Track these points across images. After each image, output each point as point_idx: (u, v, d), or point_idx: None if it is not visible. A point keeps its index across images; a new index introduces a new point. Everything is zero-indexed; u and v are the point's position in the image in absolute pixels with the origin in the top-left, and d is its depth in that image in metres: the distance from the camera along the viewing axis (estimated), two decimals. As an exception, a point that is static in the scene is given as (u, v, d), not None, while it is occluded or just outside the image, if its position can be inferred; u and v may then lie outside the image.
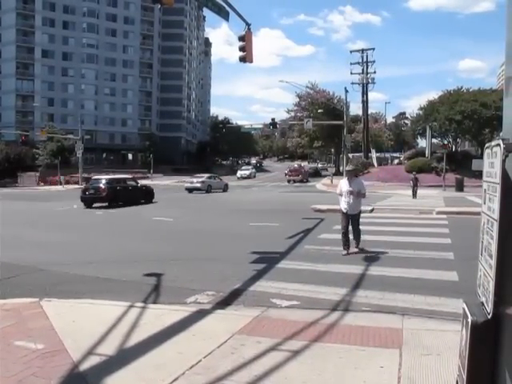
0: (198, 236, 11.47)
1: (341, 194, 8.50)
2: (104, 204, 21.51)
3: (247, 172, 60.06)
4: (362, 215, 8.99)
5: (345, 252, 8.31)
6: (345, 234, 8.38)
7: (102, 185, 22.02)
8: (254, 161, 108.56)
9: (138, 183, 25.14)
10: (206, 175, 36.41)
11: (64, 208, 20.28)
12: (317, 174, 60.66)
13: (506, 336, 2.12)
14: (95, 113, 78.52)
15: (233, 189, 36.44)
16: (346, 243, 8.38)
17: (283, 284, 6.34)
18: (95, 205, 21.17)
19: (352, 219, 8.41)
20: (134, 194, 23.43)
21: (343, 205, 8.44)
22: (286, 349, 3.93)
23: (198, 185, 33.41)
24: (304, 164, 75.96)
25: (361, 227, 8.72)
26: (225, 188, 35.21)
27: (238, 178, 55.33)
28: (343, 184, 8.53)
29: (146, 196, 24.17)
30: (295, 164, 67.90)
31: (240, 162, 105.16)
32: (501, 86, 54.50)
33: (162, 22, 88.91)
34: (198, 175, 36.54)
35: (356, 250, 8.41)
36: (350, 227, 8.53)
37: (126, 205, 21.20)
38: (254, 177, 60.17)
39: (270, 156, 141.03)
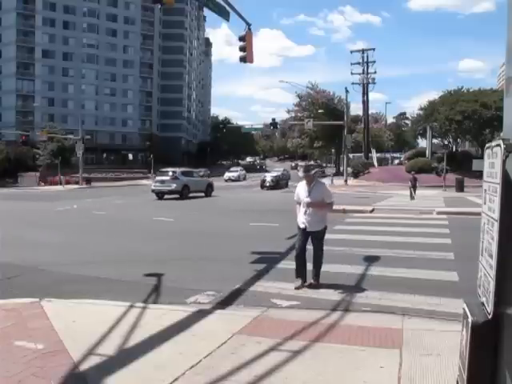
0: (199, 236, 11.47)
1: (298, 203, 6.40)
2: (175, 196, 23.12)
3: (235, 174, 54.01)
4: (361, 215, 8.80)
5: (298, 283, 6.10)
6: (299, 257, 6.20)
7: (173, 177, 23.71)
8: (255, 160, 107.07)
9: (202, 177, 27.38)
10: (181, 169, 26.75)
11: (64, 208, 20.27)
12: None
13: (507, 336, 2.12)
14: (95, 113, 78.55)
15: (232, 189, 36.37)
16: (299, 271, 6.19)
17: (283, 284, 6.34)
18: (166, 197, 22.67)
19: (312, 238, 6.25)
20: (201, 187, 25.86)
21: (300, 218, 6.27)
22: (286, 349, 3.93)
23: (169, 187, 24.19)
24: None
25: (360, 228, 8.58)
26: (208, 190, 26.50)
27: (226, 181, 50.50)
28: (301, 190, 6.36)
29: (207, 188, 26.48)
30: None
31: (241, 162, 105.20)
32: (501, 86, 54.45)
33: (163, 22, 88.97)
34: (164, 170, 26.56)
35: (313, 282, 6.17)
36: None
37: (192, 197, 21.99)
38: (244, 179, 54.13)
39: (271, 156, 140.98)
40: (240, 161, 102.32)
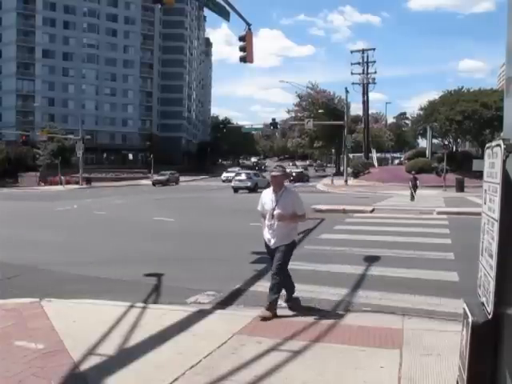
0: (199, 236, 11.47)
1: (263, 215, 5.24)
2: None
3: (233, 175, 50.55)
4: (362, 215, 8.68)
5: (266, 313, 4.84)
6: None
7: (248, 177, 33.62)
8: (259, 160, 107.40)
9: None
10: (253, 172, 39.50)
11: (64, 208, 20.27)
12: (302, 178, 46.87)
13: (507, 336, 2.12)
14: (96, 113, 78.54)
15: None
16: (275, 296, 5.02)
17: (283, 284, 6.33)
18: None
19: (276, 254, 5.08)
20: (264, 184, 30.60)
21: (265, 233, 5.17)
22: (286, 349, 3.93)
23: (245, 185, 32.97)
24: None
25: (360, 228, 8.53)
26: (268, 186, 29.73)
27: (224, 181, 48.41)
28: (266, 199, 5.20)
29: (267, 185, 29.27)
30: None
31: (241, 162, 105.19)
32: (501, 87, 54.45)
33: (163, 22, 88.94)
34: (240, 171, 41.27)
35: (265, 312, 4.84)
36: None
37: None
38: None
39: (271, 156, 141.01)
40: (245, 161, 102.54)
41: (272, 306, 4.88)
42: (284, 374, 3.45)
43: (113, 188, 41.42)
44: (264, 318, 4.72)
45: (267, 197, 5.23)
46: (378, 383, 3.31)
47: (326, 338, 4.21)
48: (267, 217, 5.13)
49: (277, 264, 5.05)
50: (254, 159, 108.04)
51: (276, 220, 5.04)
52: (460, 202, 20.18)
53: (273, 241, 5.10)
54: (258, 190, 28.49)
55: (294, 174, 44.74)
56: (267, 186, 5.84)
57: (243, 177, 34.57)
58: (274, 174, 5.25)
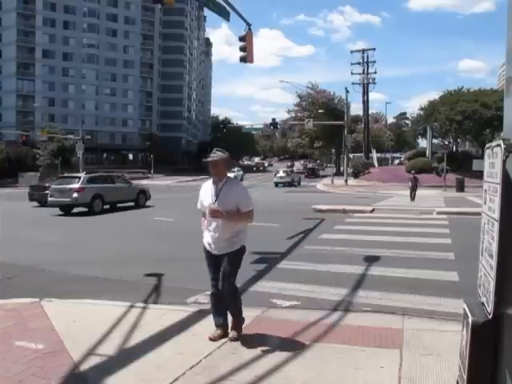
0: (199, 236, 11.42)
1: (203, 214, 4.33)
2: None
3: (231, 175, 50.34)
4: (362, 215, 8.63)
5: (216, 333, 4.16)
6: (215, 295, 4.22)
7: (288, 174, 42.69)
8: (257, 160, 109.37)
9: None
10: (291, 169, 49.82)
11: (64, 208, 20.22)
12: (314, 173, 57.45)
13: (507, 336, 2.12)
14: (96, 113, 78.53)
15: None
16: (217, 314, 4.25)
17: (283, 284, 6.34)
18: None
19: (221, 264, 4.12)
20: (298, 179, 42.65)
21: (205, 235, 4.30)
22: (286, 349, 3.93)
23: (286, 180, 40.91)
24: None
25: (360, 228, 8.51)
26: (300, 181, 44.05)
27: None
28: (205, 192, 4.27)
29: (299, 181, 43.26)
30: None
31: (241, 161, 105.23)
32: (501, 86, 54.46)
33: (163, 22, 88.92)
34: (280, 169, 47.63)
35: (233, 334, 4.17)
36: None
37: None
38: (241, 180, 51.73)
39: (271, 156, 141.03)
40: (248, 162, 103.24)
41: (237, 326, 4.21)
42: (284, 374, 3.45)
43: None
44: (233, 339, 4.12)
45: (206, 190, 4.24)
46: (378, 383, 3.31)
47: (325, 338, 4.21)
48: (206, 216, 4.17)
49: (226, 282, 4.04)
50: (257, 159, 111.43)
51: (213, 219, 4.07)
52: (460, 202, 20.18)
53: (214, 246, 4.12)
54: (296, 185, 40.60)
55: (308, 168, 59.36)
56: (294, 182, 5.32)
57: (282, 174, 43.02)
58: (211, 158, 4.08)
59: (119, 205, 19.96)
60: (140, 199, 20.98)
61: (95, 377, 3.43)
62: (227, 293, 4.08)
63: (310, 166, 68.08)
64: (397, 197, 24.65)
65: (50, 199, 18.51)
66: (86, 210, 18.11)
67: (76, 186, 17.96)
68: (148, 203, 21.31)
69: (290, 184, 40.31)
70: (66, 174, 23.10)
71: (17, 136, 55.99)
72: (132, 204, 20.51)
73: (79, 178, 18.81)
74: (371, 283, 6.30)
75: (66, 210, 18.29)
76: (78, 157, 48.66)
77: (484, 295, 2.29)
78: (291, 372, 3.48)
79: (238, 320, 4.25)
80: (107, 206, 19.21)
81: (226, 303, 4.18)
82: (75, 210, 18.33)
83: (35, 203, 22.09)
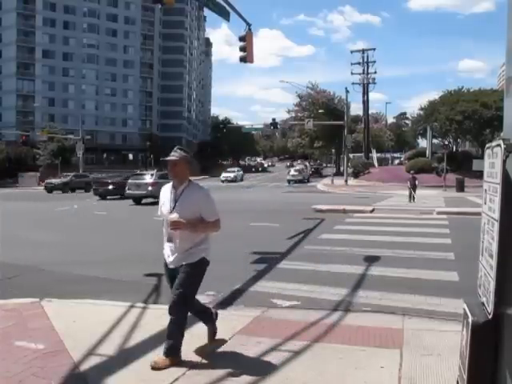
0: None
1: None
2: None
3: (231, 175, 52.45)
4: (362, 215, 8.61)
5: (162, 361, 3.54)
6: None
7: (301, 171, 48.31)
8: (258, 160, 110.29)
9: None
10: (304, 166, 60.28)
11: (64, 208, 20.27)
12: (318, 172, 64.15)
13: (507, 336, 2.12)
14: (96, 113, 78.57)
15: (231, 189, 36.29)
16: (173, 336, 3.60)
17: (283, 284, 6.34)
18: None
19: (177, 276, 3.64)
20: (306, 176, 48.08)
21: (165, 247, 3.80)
22: (286, 349, 3.93)
23: (299, 178, 46.73)
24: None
25: (360, 228, 8.50)
26: (309, 178, 51.30)
27: (222, 181, 49.09)
28: (164, 198, 3.79)
29: (308, 179, 46.74)
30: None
31: (241, 162, 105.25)
32: (501, 86, 54.46)
33: (163, 23, 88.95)
34: (293, 167, 54.90)
35: (164, 361, 3.51)
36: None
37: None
38: (241, 180, 53.49)
39: (271, 156, 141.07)
40: (251, 162, 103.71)
41: (171, 351, 3.53)
42: (284, 374, 3.45)
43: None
44: (155, 366, 3.46)
45: (165, 196, 3.76)
46: (378, 383, 3.31)
47: (326, 338, 4.21)
48: (164, 224, 3.71)
49: (176, 293, 3.53)
50: (259, 159, 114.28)
51: (174, 229, 3.54)
52: (460, 202, 20.18)
53: (172, 258, 3.65)
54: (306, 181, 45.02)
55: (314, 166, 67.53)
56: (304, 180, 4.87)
57: (294, 172, 47.29)
58: (169, 157, 3.60)
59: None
60: None
61: (95, 377, 3.43)
62: (171, 306, 3.55)
63: (315, 165, 74.50)
64: (397, 197, 24.64)
65: (127, 192, 22.53)
66: (154, 200, 21.16)
67: (150, 181, 22.01)
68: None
69: (301, 181, 45.15)
70: (139, 172, 26.82)
71: (17, 136, 56.03)
72: None
73: (152, 174, 22.89)
74: (371, 283, 6.30)
75: (138, 201, 22.27)
76: (78, 157, 48.79)
77: (484, 295, 2.29)
78: (291, 372, 3.48)
79: (175, 343, 3.55)
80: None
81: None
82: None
83: (97, 197, 25.75)
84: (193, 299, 3.71)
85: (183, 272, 3.59)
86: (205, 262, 3.73)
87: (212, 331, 3.99)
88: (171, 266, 3.68)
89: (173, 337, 3.57)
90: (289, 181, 44.98)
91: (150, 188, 21.52)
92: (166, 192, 3.76)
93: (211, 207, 3.68)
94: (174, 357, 3.54)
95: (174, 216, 3.53)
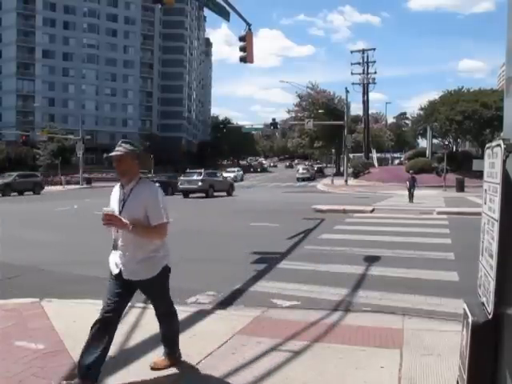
0: (198, 236, 11.47)
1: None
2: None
3: (231, 175, 50.33)
4: (362, 215, 8.59)
5: None
6: (102, 323, 3.16)
7: (309, 169, 55.10)
8: (262, 160, 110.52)
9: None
10: (310, 165, 69.79)
11: (65, 208, 20.27)
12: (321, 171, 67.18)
13: (507, 336, 2.12)
14: (96, 113, 78.59)
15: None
16: (90, 348, 3.08)
17: (284, 284, 6.34)
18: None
19: (133, 290, 3.34)
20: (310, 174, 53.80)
21: (113, 253, 3.41)
22: (286, 349, 3.93)
23: (307, 176, 53.15)
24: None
25: (360, 228, 8.50)
26: (316, 176, 59.79)
27: None
28: (113, 199, 3.40)
29: (315, 176, 50.50)
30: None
31: (241, 162, 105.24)
32: (501, 86, 54.46)
33: (163, 23, 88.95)
34: (302, 165, 62.60)
35: (164, 361, 3.52)
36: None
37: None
38: (241, 180, 53.80)
39: (271, 156, 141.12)
40: (253, 162, 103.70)
41: (171, 352, 3.54)
42: (284, 375, 3.44)
43: (113, 188, 41.43)
44: (157, 368, 3.47)
45: (114, 196, 3.37)
46: (378, 383, 3.31)
47: (326, 338, 4.21)
48: (113, 228, 3.26)
49: (158, 306, 3.44)
50: (261, 160, 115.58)
51: (122, 233, 3.17)
52: (460, 202, 20.19)
53: (124, 268, 3.21)
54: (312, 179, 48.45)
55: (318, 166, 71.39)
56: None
57: (303, 171, 54.05)
58: (114, 152, 3.19)
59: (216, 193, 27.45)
60: (230, 190, 29.44)
61: (95, 377, 3.42)
62: (163, 313, 3.46)
63: (318, 166, 77.83)
64: (397, 197, 24.65)
65: (180, 187, 27.44)
66: (203, 195, 26.78)
67: (199, 178, 26.94)
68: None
69: (309, 179, 51.38)
70: (188, 171, 30.50)
71: (17, 136, 56.02)
72: (225, 194, 28.59)
73: (201, 172, 27.70)
74: (371, 283, 6.30)
75: (187, 194, 27.04)
76: (78, 157, 48.79)
77: (484, 295, 2.29)
78: (291, 372, 3.48)
79: (173, 343, 3.53)
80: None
81: (110, 335, 3.15)
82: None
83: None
84: (169, 299, 3.47)
85: (150, 290, 3.34)
86: (167, 269, 3.34)
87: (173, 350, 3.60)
88: (126, 277, 3.21)
89: (169, 338, 3.51)
90: (298, 178, 51.25)
91: (200, 183, 26.48)
92: (115, 192, 3.37)
93: (156, 209, 3.17)
94: (173, 357, 3.53)
95: (109, 209, 3.12)
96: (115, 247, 3.30)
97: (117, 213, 3.15)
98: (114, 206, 3.28)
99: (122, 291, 3.22)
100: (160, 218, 3.16)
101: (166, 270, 3.30)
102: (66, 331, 4.34)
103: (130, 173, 3.25)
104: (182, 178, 28.50)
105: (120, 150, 3.19)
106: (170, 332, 3.50)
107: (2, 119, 73.88)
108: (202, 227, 13.24)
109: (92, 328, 3.14)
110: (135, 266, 3.19)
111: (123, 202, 3.23)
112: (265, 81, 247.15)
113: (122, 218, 3.09)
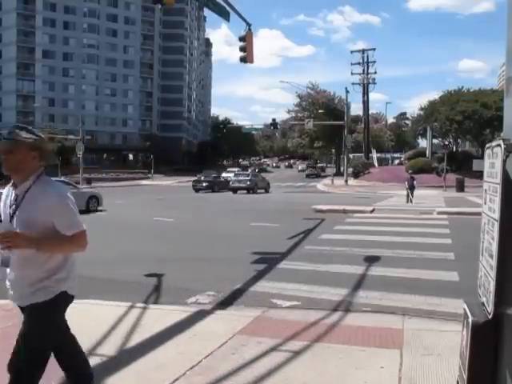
0: (199, 236, 11.47)
1: None
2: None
3: (232, 175, 51.04)
4: (362, 215, 8.58)
5: None
6: (11, 366, 2.60)
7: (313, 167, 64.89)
8: (266, 161, 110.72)
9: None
10: (312, 163, 77.72)
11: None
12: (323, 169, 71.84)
13: (507, 336, 2.12)
14: (96, 113, 78.60)
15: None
16: None
17: (284, 284, 6.34)
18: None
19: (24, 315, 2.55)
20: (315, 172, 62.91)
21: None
22: (286, 349, 3.93)
23: (313, 173, 60.07)
24: None
25: (360, 228, 8.50)
26: (320, 173, 66.58)
27: None
28: (3, 205, 2.48)
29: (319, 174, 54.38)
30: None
31: (241, 162, 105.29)
32: (501, 86, 54.46)
33: (163, 23, 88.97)
34: (307, 164, 73.03)
35: None
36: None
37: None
38: None
39: (271, 156, 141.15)
40: (255, 162, 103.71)
41: None
42: (284, 375, 3.44)
43: (113, 188, 41.45)
44: None
45: (5, 200, 2.51)
46: (378, 383, 3.31)
47: (326, 338, 4.21)
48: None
49: (18, 349, 2.66)
50: (263, 160, 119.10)
51: (3, 247, 2.33)
52: (460, 202, 20.19)
53: (13, 293, 2.53)
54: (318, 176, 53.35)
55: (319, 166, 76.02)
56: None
57: (311, 168, 65.39)
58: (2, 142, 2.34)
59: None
60: (267, 188, 34.01)
61: (95, 377, 3.41)
62: (16, 369, 2.56)
63: (320, 166, 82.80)
64: (397, 197, 24.65)
65: (231, 185, 32.61)
66: (247, 192, 30.78)
67: (247, 178, 32.78)
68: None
69: (316, 175, 59.41)
70: (237, 171, 37.98)
71: (17, 136, 55.88)
72: (263, 191, 32.76)
73: (248, 173, 35.79)
74: (371, 283, 6.30)
75: (235, 191, 31.40)
76: (78, 157, 48.73)
77: (484, 295, 2.29)
78: (291, 372, 3.48)
79: None
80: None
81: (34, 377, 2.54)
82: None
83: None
84: (45, 357, 2.59)
85: (28, 315, 2.50)
86: (63, 299, 2.56)
87: None
88: (17, 303, 2.55)
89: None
90: (306, 175, 60.83)
91: (248, 182, 31.72)
92: (5, 197, 2.51)
93: (68, 215, 2.41)
94: None
95: (11, 231, 2.31)
96: (5, 264, 2.43)
97: (6, 224, 2.39)
98: (3, 211, 2.48)
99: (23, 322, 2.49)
100: (75, 225, 2.43)
101: (60, 298, 2.50)
102: (66, 331, 4.33)
103: (23, 170, 2.37)
104: (233, 178, 34.76)
105: (11, 137, 2.33)
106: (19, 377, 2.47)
107: (2, 119, 73.84)
108: (202, 227, 13.23)
109: (7, 367, 2.55)
110: (26, 288, 2.41)
111: (16, 207, 2.38)
112: (265, 81, 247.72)
113: (17, 231, 2.31)
